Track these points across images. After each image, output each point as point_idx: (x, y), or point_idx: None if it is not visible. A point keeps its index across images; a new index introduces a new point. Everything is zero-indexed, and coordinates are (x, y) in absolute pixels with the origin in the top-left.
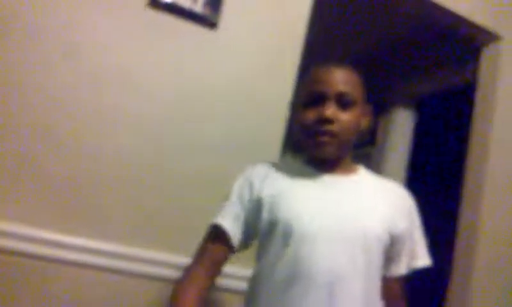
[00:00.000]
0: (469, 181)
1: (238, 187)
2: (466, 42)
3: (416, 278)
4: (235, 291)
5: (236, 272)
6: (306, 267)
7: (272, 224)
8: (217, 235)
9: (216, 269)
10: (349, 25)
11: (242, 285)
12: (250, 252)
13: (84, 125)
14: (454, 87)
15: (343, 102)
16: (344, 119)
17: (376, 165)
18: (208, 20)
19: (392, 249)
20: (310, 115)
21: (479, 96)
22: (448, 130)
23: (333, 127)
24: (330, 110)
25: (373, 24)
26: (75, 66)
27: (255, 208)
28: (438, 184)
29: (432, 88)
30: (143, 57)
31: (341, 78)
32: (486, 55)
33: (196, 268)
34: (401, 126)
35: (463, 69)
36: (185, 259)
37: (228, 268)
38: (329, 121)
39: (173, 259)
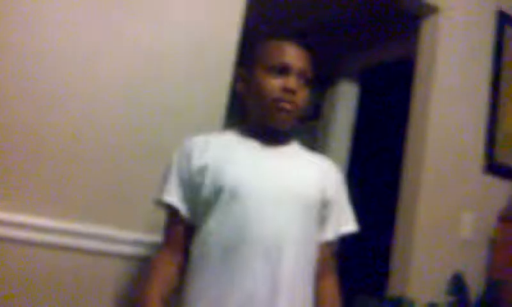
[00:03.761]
0: (410, 150)
1: (178, 160)
2: (407, 15)
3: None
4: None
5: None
6: (253, 229)
7: (217, 191)
8: (172, 213)
9: (181, 247)
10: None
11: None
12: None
13: (36, 102)
14: (398, 60)
15: (303, 79)
16: (302, 95)
17: (321, 138)
18: None
19: (321, 214)
20: (275, 83)
21: (419, 68)
22: (390, 102)
23: (295, 98)
24: (295, 82)
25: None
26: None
27: (197, 178)
28: (380, 154)
29: (377, 61)
30: (86, 27)
31: (305, 56)
32: (425, 28)
33: (161, 255)
34: (346, 99)
35: (406, 42)
36: (142, 236)
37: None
38: (293, 92)
39: (131, 236)
